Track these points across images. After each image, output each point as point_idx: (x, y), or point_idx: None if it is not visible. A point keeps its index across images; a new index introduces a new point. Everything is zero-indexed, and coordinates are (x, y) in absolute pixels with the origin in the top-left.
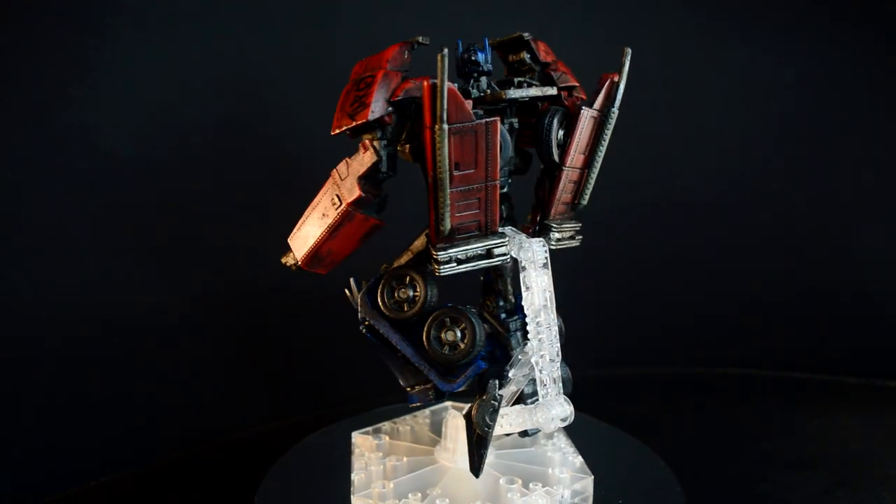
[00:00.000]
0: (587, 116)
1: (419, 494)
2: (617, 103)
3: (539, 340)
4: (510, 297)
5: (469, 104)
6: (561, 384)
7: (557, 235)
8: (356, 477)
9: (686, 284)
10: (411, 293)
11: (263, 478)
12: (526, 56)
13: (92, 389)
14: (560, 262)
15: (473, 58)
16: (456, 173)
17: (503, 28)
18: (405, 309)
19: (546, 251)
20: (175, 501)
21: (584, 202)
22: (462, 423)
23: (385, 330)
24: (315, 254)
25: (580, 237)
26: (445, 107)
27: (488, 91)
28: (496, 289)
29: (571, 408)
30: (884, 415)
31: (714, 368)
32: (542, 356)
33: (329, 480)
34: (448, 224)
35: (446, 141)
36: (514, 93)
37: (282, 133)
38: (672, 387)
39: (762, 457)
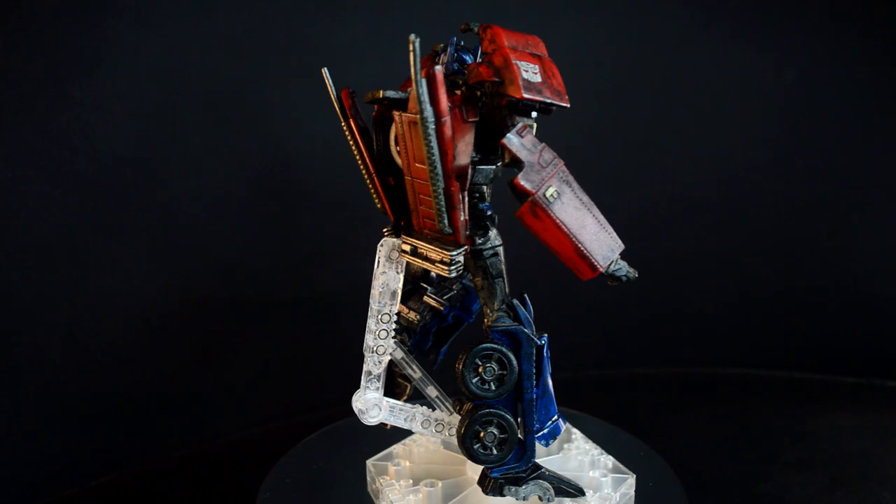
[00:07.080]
0: (400, 121)
1: None
2: (423, 107)
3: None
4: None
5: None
6: (372, 378)
7: (406, 248)
8: None
9: (686, 284)
10: None
11: (263, 478)
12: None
13: (92, 389)
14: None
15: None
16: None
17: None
18: None
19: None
20: (175, 501)
21: (442, 228)
22: None
23: None
24: None
25: (453, 268)
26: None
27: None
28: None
29: (363, 405)
30: (884, 415)
31: (714, 368)
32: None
33: (329, 480)
34: (378, 203)
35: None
36: (382, 96)
37: (282, 133)
38: (672, 387)
39: (762, 457)
